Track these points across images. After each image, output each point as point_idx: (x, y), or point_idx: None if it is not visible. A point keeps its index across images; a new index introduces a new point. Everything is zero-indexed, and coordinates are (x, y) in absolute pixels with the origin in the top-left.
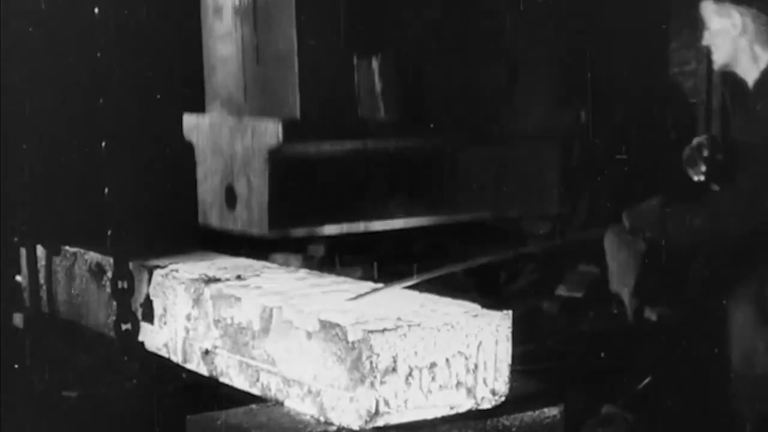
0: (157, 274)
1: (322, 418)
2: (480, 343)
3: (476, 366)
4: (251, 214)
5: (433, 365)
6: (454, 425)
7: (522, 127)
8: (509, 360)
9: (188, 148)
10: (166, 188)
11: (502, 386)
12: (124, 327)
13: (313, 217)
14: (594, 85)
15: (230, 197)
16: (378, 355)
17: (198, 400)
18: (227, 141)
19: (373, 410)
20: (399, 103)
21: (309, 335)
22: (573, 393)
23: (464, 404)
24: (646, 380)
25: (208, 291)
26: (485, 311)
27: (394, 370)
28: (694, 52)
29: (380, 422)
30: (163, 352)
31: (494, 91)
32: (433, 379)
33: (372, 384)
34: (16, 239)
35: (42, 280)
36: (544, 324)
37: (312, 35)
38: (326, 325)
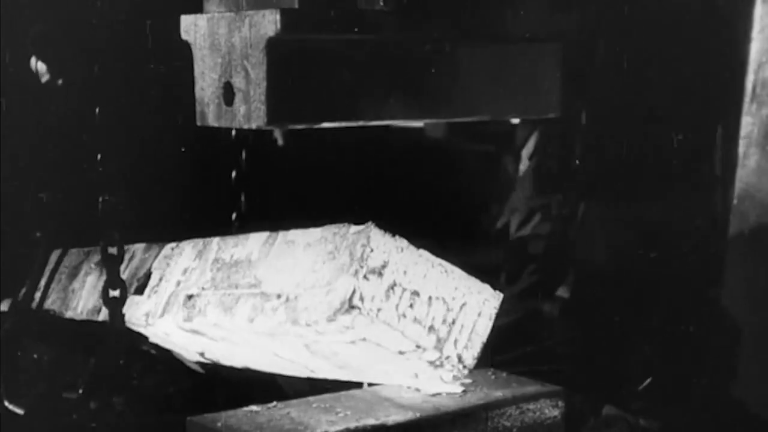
0: (168, 247)
1: (291, 322)
2: (464, 304)
3: (453, 322)
4: (249, 108)
5: (415, 293)
6: (455, 425)
7: (523, 29)
8: (485, 339)
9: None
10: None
11: (470, 358)
12: (111, 294)
13: (311, 111)
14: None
15: (228, 93)
16: (372, 251)
17: (198, 401)
18: (225, 36)
19: (347, 299)
20: None
21: (308, 245)
22: (573, 394)
23: (430, 351)
24: (647, 381)
25: (217, 238)
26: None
27: (380, 274)
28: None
29: (347, 319)
30: (141, 322)
31: None
32: (411, 306)
33: (356, 273)
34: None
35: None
36: (545, 325)
37: None
38: (329, 230)
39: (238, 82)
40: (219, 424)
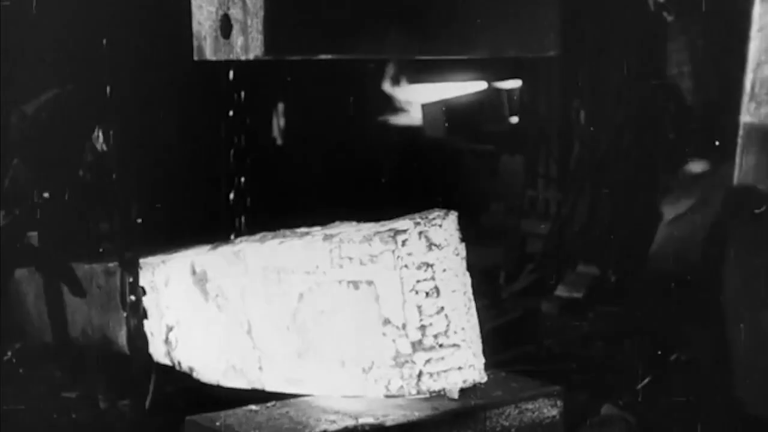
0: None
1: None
2: (457, 347)
3: (441, 346)
4: (247, 39)
5: (436, 290)
6: (454, 425)
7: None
8: (443, 391)
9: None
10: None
11: (424, 387)
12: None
13: (309, 42)
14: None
15: (226, 25)
16: (440, 226)
17: (197, 401)
18: None
19: (398, 231)
20: None
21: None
22: (572, 393)
23: (406, 342)
24: (646, 380)
25: None
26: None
27: (430, 247)
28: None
29: (387, 239)
30: None
31: None
32: (427, 295)
33: (416, 224)
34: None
35: None
36: (544, 324)
37: None
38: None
39: (235, 13)
40: (218, 423)
